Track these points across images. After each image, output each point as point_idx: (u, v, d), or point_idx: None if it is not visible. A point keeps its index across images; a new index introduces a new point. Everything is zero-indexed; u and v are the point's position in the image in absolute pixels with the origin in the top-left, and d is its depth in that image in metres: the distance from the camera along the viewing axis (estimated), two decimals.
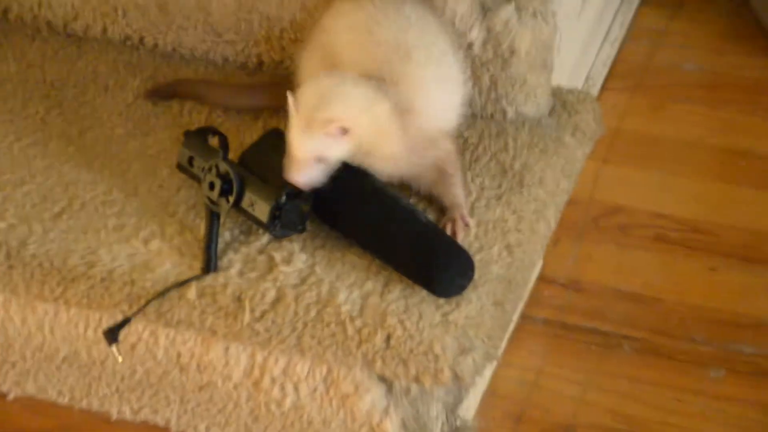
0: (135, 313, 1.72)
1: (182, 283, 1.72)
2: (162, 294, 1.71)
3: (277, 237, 1.76)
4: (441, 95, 1.79)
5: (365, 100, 1.70)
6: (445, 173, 1.77)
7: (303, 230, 1.76)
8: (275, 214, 1.72)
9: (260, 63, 2.02)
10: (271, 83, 1.96)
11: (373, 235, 1.74)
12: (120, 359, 1.77)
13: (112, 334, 1.73)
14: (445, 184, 1.77)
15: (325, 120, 1.66)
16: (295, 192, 1.72)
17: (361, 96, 1.70)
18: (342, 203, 1.76)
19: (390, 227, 1.73)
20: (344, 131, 1.67)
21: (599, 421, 1.89)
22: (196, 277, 1.73)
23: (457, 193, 1.78)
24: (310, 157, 1.68)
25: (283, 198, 1.71)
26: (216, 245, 1.75)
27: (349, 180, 1.75)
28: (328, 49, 1.81)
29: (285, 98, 1.79)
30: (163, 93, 1.98)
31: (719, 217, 2.15)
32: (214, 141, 1.80)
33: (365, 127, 1.70)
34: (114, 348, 1.74)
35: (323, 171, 1.70)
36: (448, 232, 1.75)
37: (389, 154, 1.73)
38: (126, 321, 1.73)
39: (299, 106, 1.68)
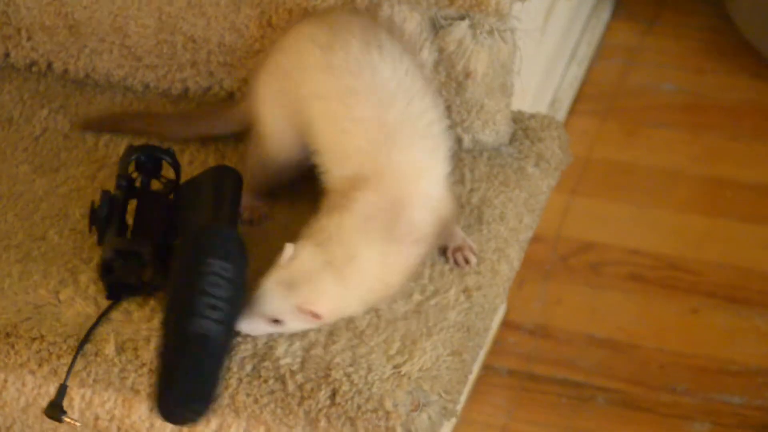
0: (67, 377, 1.69)
1: (98, 320, 1.71)
2: (81, 346, 1.69)
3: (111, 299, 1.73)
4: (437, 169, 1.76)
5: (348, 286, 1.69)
6: (447, 227, 1.77)
7: (147, 293, 1.73)
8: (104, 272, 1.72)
9: (185, 89, 2.00)
10: (228, 108, 1.95)
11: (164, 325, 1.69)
12: (79, 425, 1.72)
13: (56, 410, 1.70)
14: (445, 233, 1.77)
15: (303, 303, 1.65)
16: (128, 250, 1.71)
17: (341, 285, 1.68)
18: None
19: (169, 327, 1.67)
20: (316, 317, 1.66)
21: None
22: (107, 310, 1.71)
23: (456, 232, 1.79)
24: (269, 316, 1.66)
25: (109, 256, 1.71)
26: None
27: (183, 253, 1.71)
28: (293, 92, 1.79)
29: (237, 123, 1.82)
30: (99, 126, 1.96)
31: (701, 254, 2.14)
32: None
33: (342, 307, 1.70)
34: (67, 419, 1.70)
35: (275, 330, 1.68)
36: (459, 260, 1.77)
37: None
38: (63, 389, 1.70)
39: (286, 266, 1.67)
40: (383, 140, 1.72)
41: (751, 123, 2.34)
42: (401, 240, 1.70)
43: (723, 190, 2.24)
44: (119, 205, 1.76)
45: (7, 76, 2.03)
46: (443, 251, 1.80)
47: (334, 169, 1.75)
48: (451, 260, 1.79)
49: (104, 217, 1.75)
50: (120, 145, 1.92)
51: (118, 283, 1.73)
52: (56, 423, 1.78)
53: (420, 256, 1.72)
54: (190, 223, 1.74)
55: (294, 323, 1.67)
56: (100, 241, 1.75)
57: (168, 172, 1.81)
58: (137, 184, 1.79)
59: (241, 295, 1.68)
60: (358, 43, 1.75)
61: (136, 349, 1.69)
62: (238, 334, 1.68)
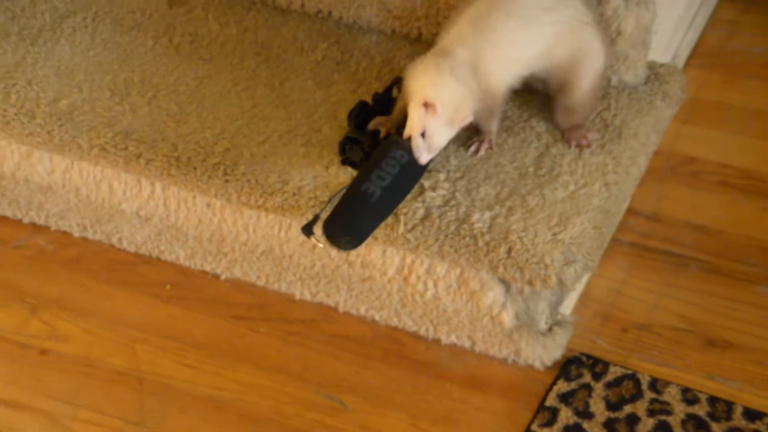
0: (321, 211, 1.66)
1: (341, 191, 1.65)
2: (330, 200, 1.66)
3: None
4: (499, 58, 1.64)
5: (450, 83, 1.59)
6: (490, 110, 1.66)
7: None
8: (342, 149, 1.69)
9: (420, 34, 1.93)
10: None
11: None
12: (321, 245, 1.67)
13: (308, 229, 1.67)
14: (487, 117, 1.66)
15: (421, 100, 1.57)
16: (354, 138, 1.67)
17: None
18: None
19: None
20: (432, 108, 1.57)
21: (669, 323, 1.81)
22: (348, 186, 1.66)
23: (493, 124, 1.68)
24: (415, 133, 1.59)
25: (342, 140, 1.69)
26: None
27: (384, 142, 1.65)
28: None
29: None
30: None
31: None
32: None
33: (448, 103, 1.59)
34: (313, 239, 1.67)
35: (427, 145, 1.59)
36: (474, 148, 1.69)
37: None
38: (316, 217, 1.66)
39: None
40: (493, 15, 1.62)
41: None
42: (477, 84, 1.60)
43: None
44: (365, 111, 1.70)
45: (302, 19, 1.98)
46: (568, 140, 1.72)
47: (449, 30, 1.66)
48: (574, 144, 1.71)
49: (354, 117, 1.70)
50: (372, 71, 1.87)
51: (348, 160, 1.69)
52: (321, 254, 1.79)
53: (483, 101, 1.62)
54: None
55: (432, 127, 1.57)
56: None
57: None
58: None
59: (408, 179, 1.62)
60: None
61: None
62: (397, 199, 1.61)
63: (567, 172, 1.69)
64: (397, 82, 1.73)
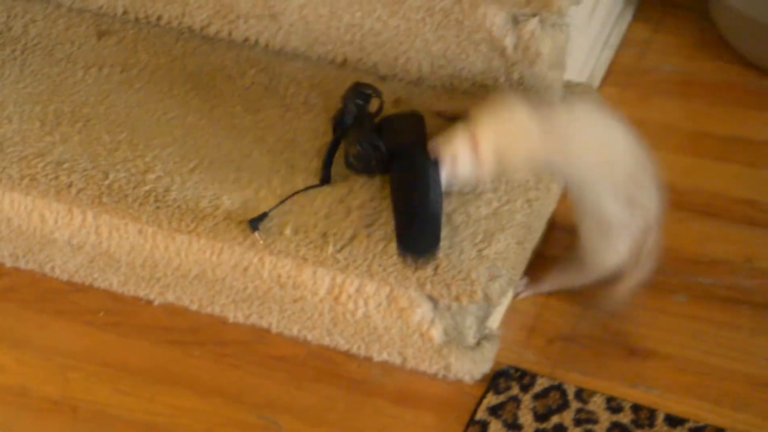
0: (272, 209, 1.65)
1: (294, 194, 1.67)
2: (282, 201, 1.66)
3: (351, 168, 1.69)
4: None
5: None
6: None
7: (372, 173, 1.69)
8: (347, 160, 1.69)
9: (344, 60, 1.92)
10: None
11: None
12: (261, 242, 1.66)
13: (254, 224, 1.65)
14: None
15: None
16: (370, 142, 1.66)
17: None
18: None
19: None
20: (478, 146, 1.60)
21: (593, 333, 1.80)
22: (308, 188, 1.67)
23: None
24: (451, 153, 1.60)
25: (356, 144, 1.67)
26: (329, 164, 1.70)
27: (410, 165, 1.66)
28: None
29: None
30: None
31: (687, 182, 2.03)
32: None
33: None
34: (256, 234, 1.65)
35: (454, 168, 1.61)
36: None
37: None
38: (264, 214, 1.65)
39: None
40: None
41: (724, 94, 2.20)
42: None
43: (703, 139, 2.11)
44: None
45: (229, 47, 1.96)
46: None
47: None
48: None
49: (348, 121, 1.70)
50: (299, 96, 1.85)
51: (354, 168, 1.68)
52: (253, 276, 1.75)
53: None
54: (395, 141, 1.67)
55: (462, 155, 1.60)
56: (338, 138, 1.70)
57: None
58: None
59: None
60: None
61: (306, 231, 1.65)
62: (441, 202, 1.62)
63: (490, 189, 1.69)
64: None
